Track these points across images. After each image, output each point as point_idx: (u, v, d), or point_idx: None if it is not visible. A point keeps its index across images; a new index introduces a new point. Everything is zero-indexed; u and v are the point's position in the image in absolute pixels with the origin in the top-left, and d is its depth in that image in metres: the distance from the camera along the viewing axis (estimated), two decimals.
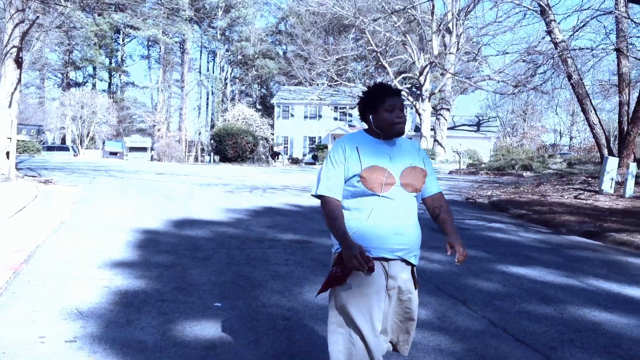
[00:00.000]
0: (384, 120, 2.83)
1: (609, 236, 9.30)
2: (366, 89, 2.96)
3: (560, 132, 72.35)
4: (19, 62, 16.23)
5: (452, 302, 5.19)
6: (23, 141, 40.09)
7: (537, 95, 43.78)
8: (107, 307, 4.74)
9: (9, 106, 15.78)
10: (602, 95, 39.89)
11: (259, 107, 69.35)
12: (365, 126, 2.99)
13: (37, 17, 19.07)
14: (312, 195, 2.95)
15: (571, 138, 70.34)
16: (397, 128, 2.84)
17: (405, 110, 3.00)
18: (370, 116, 2.88)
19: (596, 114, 18.92)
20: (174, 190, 14.66)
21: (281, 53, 72.74)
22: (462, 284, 5.87)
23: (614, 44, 15.63)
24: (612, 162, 15.28)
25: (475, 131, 52.49)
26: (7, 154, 15.19)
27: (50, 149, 47.09)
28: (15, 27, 15.88)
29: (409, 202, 2.86)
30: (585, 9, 15.42)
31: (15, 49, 15.93)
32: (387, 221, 2.79)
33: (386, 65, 44.20)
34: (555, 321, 4.79)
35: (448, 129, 46.02)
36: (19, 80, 16.35)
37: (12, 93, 15.83)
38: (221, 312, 4.70)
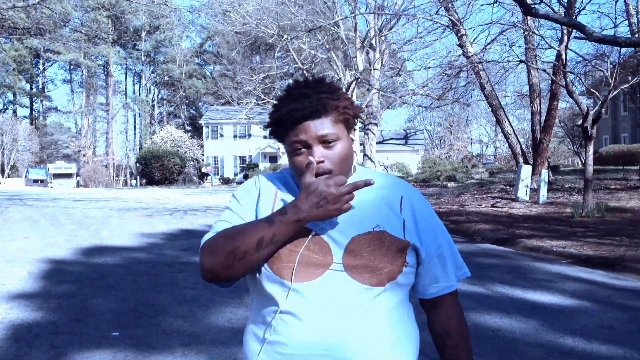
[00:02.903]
0: (291, 165, 1.50)
1: (520, 242, 9.57)
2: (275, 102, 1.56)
3: (485, 143, 74.65)
4: None
5: None
6: None
7: (460, 107, 45.03)
8: None
9: None
10: (523, 105, 41.48)
11: (188, 128, 68.47)
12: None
13: None
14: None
15: (495, 148, 72.59)
16: None
17: (341, 136, 1.47)
18: None
19: (510, 124, 19.56)
20: (89, 217, 14.17)
21: (208, 73, 72.18)
22: None
23: (518, 57, 16.27)
24: (526, 170, 15.81)
25: (404, 144, 53.46)
26: None
27: None
28: None
29: (363, 301, 1.43)
30: (494, 23, 16.01)
31: None
32: (309, 335, 1.40)
33: None
34: None
35: (377, 143, 46.61)
36: None
37: None
38: (117, 342, 4.54)
